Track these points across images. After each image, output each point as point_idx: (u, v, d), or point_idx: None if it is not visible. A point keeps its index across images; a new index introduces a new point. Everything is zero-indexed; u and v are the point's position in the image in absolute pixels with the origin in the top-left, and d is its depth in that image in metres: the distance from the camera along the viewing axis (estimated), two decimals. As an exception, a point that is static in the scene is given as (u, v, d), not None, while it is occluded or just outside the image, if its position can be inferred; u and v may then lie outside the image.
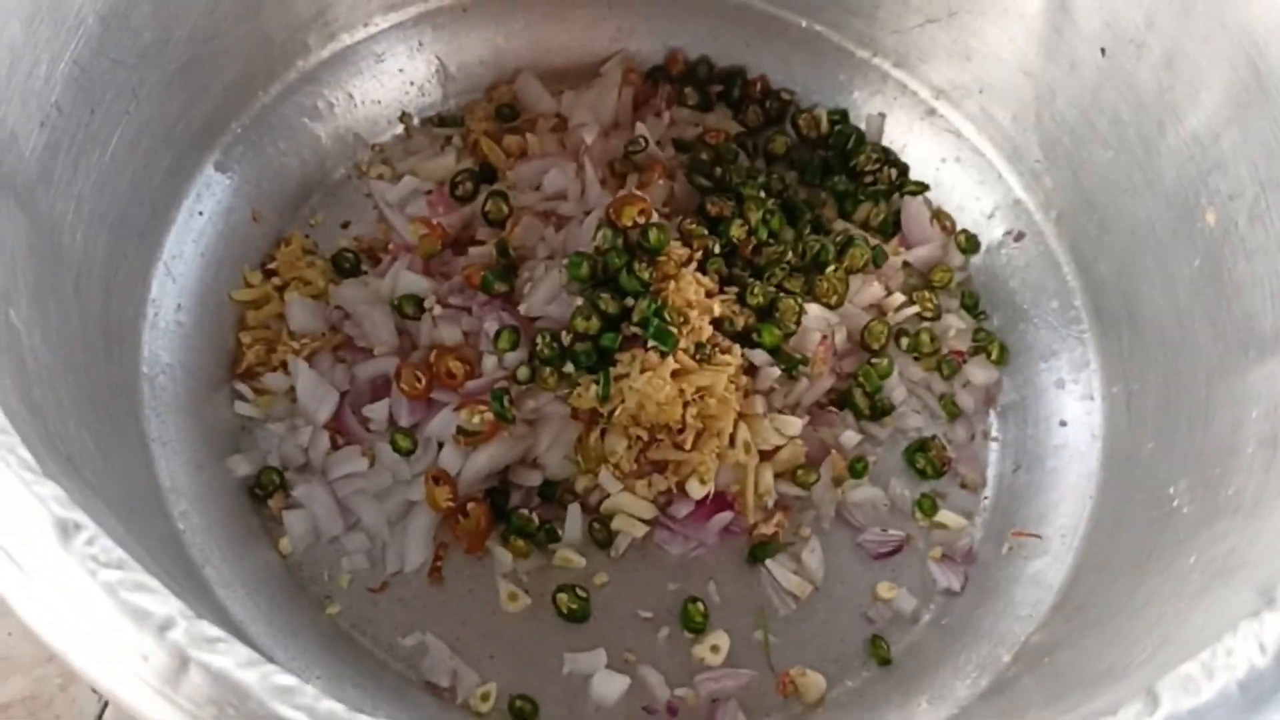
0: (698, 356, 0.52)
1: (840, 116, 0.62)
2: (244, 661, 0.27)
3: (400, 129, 0.61)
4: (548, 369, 0.52)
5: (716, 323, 0.53)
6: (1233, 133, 0.45)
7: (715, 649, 0.50)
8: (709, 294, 0.54)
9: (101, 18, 0.44)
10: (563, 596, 0.50)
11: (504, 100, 0.62)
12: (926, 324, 0.58)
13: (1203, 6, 0.45)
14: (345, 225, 0.59)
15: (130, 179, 0.49)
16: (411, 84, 0.61)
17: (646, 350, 0.51)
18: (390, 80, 0.61)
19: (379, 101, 0.61)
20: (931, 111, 0.61)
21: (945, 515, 0.54)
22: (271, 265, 0.56)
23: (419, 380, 0.52)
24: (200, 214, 0.54)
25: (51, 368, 0.39)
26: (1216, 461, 0.42)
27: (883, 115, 0.62)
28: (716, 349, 0.52)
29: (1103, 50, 0.51)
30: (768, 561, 0.52)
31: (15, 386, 0.34)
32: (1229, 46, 0.45)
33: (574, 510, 0.52)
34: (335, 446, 0.52)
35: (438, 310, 0.54)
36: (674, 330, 0.50)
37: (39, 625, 0.28)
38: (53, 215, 0.43)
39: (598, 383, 0.51)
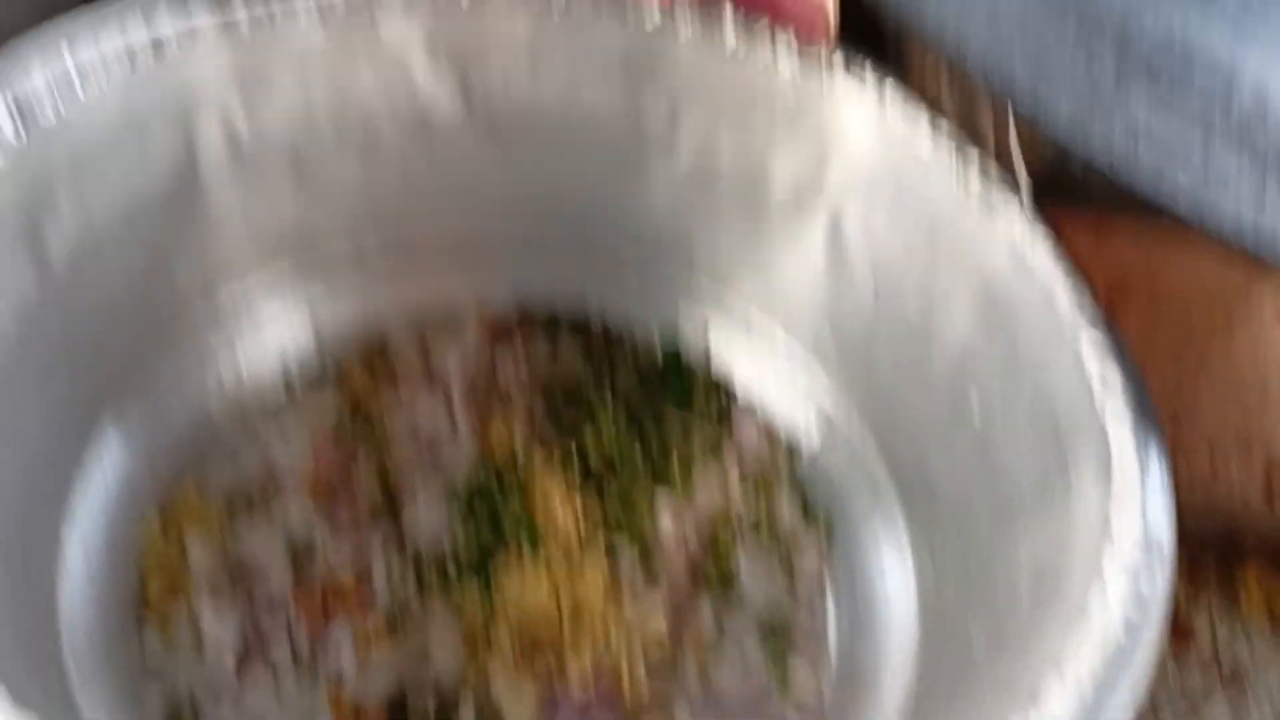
0: (566, 553, 0.59)
1: (673, 347, 0.72)
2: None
3: (282, 388, 0.68)
4: (434, 580, 0.58)
5: (580, 524, 0.61)
6: (983, 346, 0.56)
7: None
8: (572, 499, 0.62)
9: (15, 319, 0.51)
10: (463, 792, 0.55)
11: (375, 352, 0.70)
12: (764, 514, 0.67)
13: (949, 254, 0.57)
14: (236, 474, 0.64)
15: (35, 446, 0.54)
16: (289, 345, 0.68)
17: (520, 556, 0.58)
18: (269, 343, 0.67)
19: (260, 362, 0.67)
20: (749, 342, 0.71)
21: (797, 682, 0.61)
22: (170, 511, 0.61)
23: (316, 605, 0.58)
24: (103, 471, 0.59)
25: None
26: (1000, 599, 0.51)
27: (708, 343, 0.72)
28: (584, 547, 0.60)
29: (876, 291, 0.62)
30: (646, 736, 0.58)
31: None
32: (972, 281, 0.56)
33: (467, 707, 0.57)
34: (242, 675, 0.57)
35: (329, 542, 0.61)
36: (541, 529, 0.58)
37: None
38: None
39: (480, 586, 0.57)
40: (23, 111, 0.49)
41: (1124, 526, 0.43)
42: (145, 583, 0.59)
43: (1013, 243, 0.53)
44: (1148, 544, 0.43)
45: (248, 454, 0.65)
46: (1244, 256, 0.60)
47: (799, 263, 0.65)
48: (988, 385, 0.55)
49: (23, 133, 0.49)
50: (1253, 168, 0.47)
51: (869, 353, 0.64)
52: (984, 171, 0.55)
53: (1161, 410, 0.50)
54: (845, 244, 0.62)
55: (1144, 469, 0.45)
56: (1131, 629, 0.41)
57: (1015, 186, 0.55)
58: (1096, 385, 0.48)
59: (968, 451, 0.57)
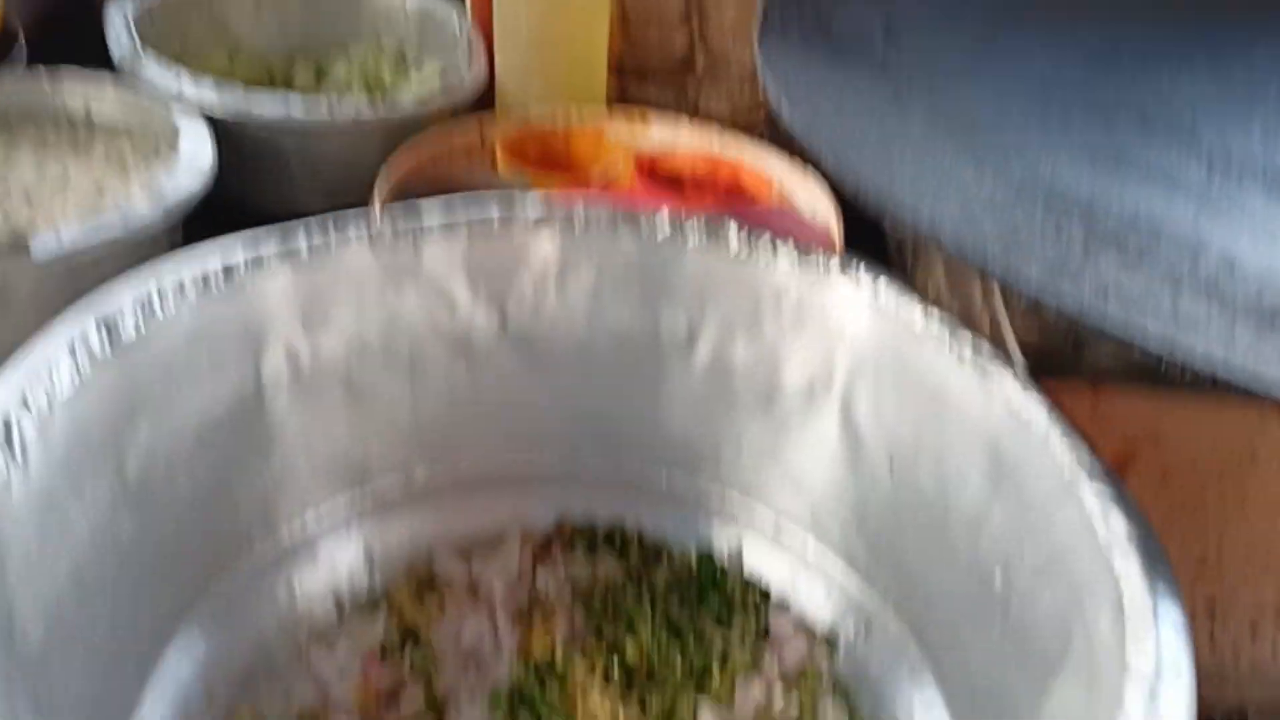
0: (610, 760, 0.59)
1: (706, 554, 0.74)
2: None
3: (333, 610, 0.71)
4: (480, 792, 0.59)
5: (622, 727, 0.62)
6: (995, 509, 0.58)
7: None
8: (614, 705, 0.62)
9: (92, 528, 0.55)
10: None
11: (422, 574, 0.73)
12: (807, 715, 0.67)
13: (950, 421, 0.60)
14: (288, 697, 0.66)
15: (104, 665, 0.57)
16: (342, 569, 0.72)
17: (565, 759, 0.59)
18: (323, 568, 0.71)
19: (314, 587, 0.71)
20: (777, 537, 0.73)
21: None
22: (223, 737, 0.63)
23: (363, 820, 0.58)
24: (164, 697, 0.61)
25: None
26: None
27: (740, 546, 0.74)
28: (626, 752, 0.60)
29: (891, 464, 0.65)
30: None
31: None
32: (977, 444, 0.59)
33: None
34: None
35: (377, 757, 0.61)
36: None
37: None
38: (50, 696, 0.50)
39: (525, 795, 0.58)
40: (109, 327, 0.55)
41: (1141, 663, 0.44)
42: (198, 810, 0.59)
43: (1008, 401, 0.56)
44: (1162, 672, 0.43)
45: (300, 678, 0.67)
46: (1245, 414, 0.62)
47: (816, 451, 0.68)
48: (1004, 548, 0.56)
49: (107, 347, 0.54)
50: (1222, 314, 0.50)
51: (891, 533, 0.65)
52: (976, 342, 0.59)
53: (1182, 578, 0.51)
54: (858, 426, 0.65)
55: (1156, 604, 0.46)
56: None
57: (1008, 356, 0.59)
58: (1100, 529, 0.49)
59: (995, 621, 0.57)
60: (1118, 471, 0.54)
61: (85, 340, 0.54)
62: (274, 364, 0.64)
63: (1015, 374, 0.57)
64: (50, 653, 0.51)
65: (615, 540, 0.75)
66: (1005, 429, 0.57)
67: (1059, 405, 0.56)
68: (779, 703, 0.67)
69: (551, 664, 0.63)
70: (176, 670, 0.63)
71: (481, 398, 0.72)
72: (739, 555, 0.74)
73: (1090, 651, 0.48)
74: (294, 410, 0.66)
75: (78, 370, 0.53)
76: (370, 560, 0.73)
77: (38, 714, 0.47)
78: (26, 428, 0.50)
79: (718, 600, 0.72)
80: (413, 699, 0.64)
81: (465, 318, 0.69)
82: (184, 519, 0.62)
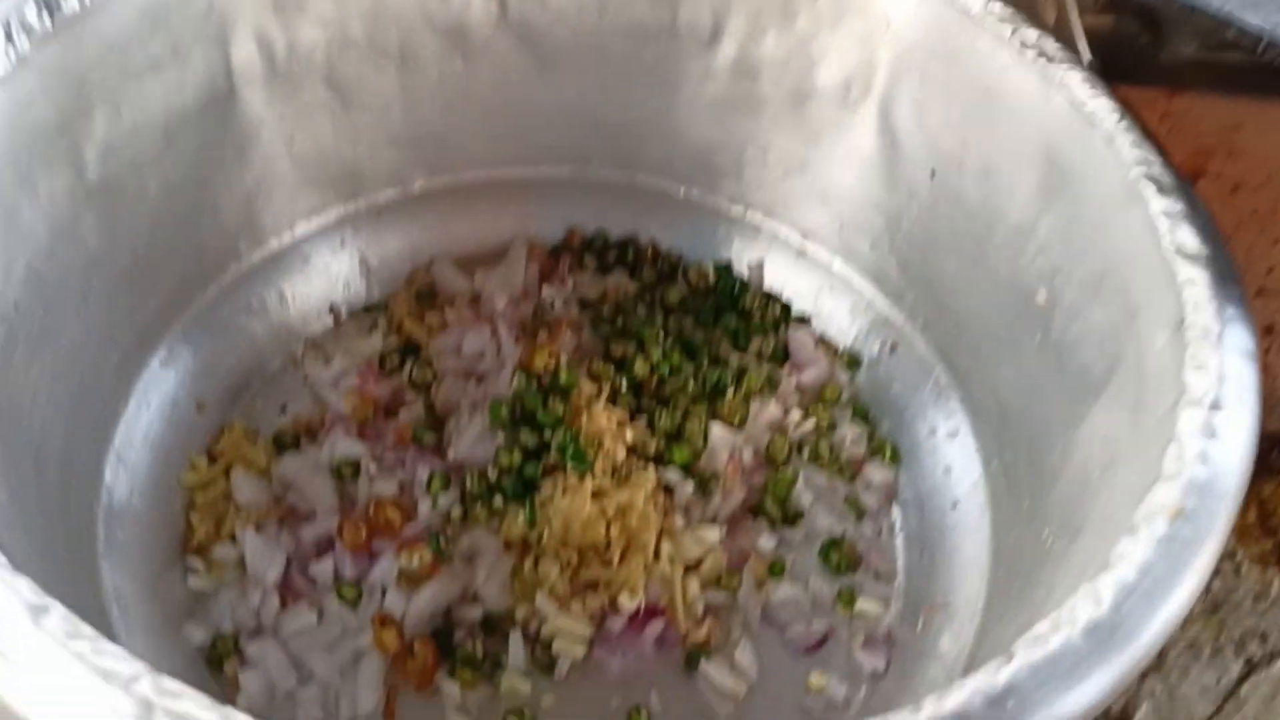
0: (615, 478, 0.56)
1: (725, 267, 0.70)
2: (206, 705, 0.30)
3: (330, 320, 0.67)
4: (478, 505, 0.56)
5: (630, 449, 0.58)
6: (1046, 219, 0.52)
7: (663, 754, 0.53)
8: (620, 423, 0.59)
9: (51, 228, 0.50)
10: None
11: (422, 285, 0.69)
12: (824, 435, 0.64)
13: (1004, 122, 0.54)
14: (283, 409, 0.63)
15: (81, 374, 0.54)
16: (337, 278, 0.68)
17: (566, 474, 0.56)
18: (317, 277, 0.67)
19: (308, 296, 0.67)
20: (802, 252, 0.68)
21: (863, 604, 0.58)
22: (216, 450, 0.60)
23: (359, 532, 0.56)
24: (148, 406, 0.59)
25: (16, 532, 0.43)
26: (1073, 497, 0.47)
27: (761, 261, 0.69)
28: (632, 470, 0.57)
29: (932, 173, 0.59)
30: (703, 665, 0.55)
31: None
32: (1030, 149, 0.52)
33: (515, 638, 0.55)
34: (285, 606, 0.55)
35: (373, 468, 0.59)
36: (588, 451, 0.56)
37: (18, 700, 0.31)
38: (12, 404, 0.48)
39: (524, 509, 0.55)
40: (47, 2, 0.48)
41: (1200, 386, 0.39)
42: (190, 520, 0.58)
43: (1071, 102, 0.49)
44: (1223, 403, 0.38)
45: (295, 388, 0.64)
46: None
47: (849, 161, 0.62)
48: (1052, 262, 0.51)
49: (47, 20, 0.48)
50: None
51: (925, 249, 0.60)
52: (1039, 34, 0.51)
53: (1247, 282, 0.46)
54: (897, 130, 0.59)
55: (1223, 328, 0.41)
56: (1206, 489, 0.36)
57: (1075, 51, 0.51)
58: (1165, 242, 0.43)
59: (1033, 341, 0.53)
60: (1188, 176, 0.48)
61: (21, 14, 0.48)
62: (245, 53, 0.57)
63: (1081, 71, 0.50)
64: (11, 358, 0.47)
65: (627, 255, 0.70)
66: (1065, 132, 0.50)
67: (1129, 108, 0.49)
68: (795, 422, 0.64)
69: (555, 378, 0.60)
70: (164, 381, 0.60)
71: (481, 99, 0.65)
72: (759, 272, 0.69)
73: (1140, 374, 0.44)
74: (272, 107, 0.60)
75: (13, 46, 0.47)
76: (367, 271, 0.68)
77: (34, 405, 0.45)
78: (-40, 113, 0.45)
79: (735, 319, 0.67)
80: (412, 410, 0.62)
81: (459, 4, 0.61)
82: (160, 223, 0.57)
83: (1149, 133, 0.48)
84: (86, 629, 0.32)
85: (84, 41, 0.50)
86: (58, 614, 0.32)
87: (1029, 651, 0.33)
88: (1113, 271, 0.47)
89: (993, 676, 0.32)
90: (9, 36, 0.47)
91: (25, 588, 0.32)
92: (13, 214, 0.48)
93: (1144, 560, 0.34)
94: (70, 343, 0.52)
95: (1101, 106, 0.48)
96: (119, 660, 0.31)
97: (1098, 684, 0.32)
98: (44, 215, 0.50)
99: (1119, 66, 0.53)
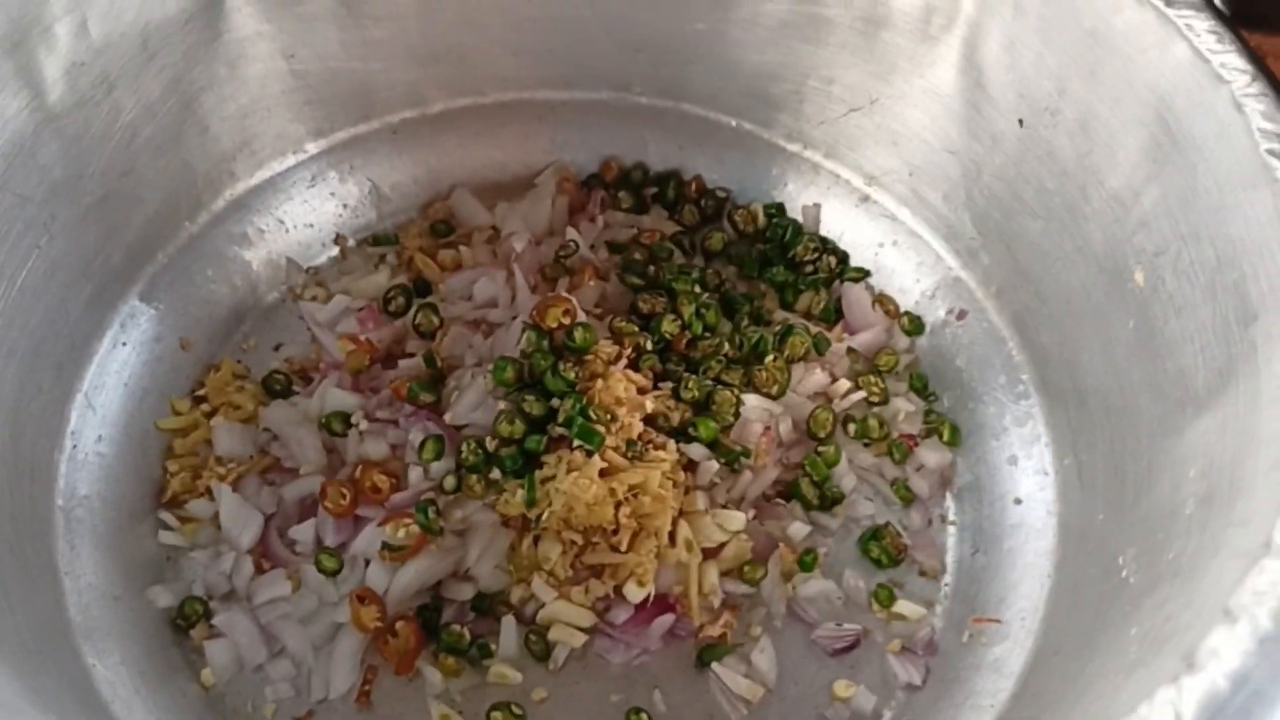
0: (629, 454, 0.50)
1: (776, 210, 0.62)
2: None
3: (335, 251, 0.61)
4: (474, 476, 0.50)
5: (650, 419, 0.52)
6: (1152, 190, 0.44)
7: (662, 763, 0.47)
8: (641, 390, 0.52)
9: (4, 155, 0.45)
10: (498, 715, 0.48)
11: (439, 216, 0.62)
12: (875, 409, 0.57)
13: (1110, 70, 0.45)
14: (278, 348, 0.58)
15: (44, 312, 0.49)
16: (344, 206, 0.62)
17: (572, 450, 0.49)
18: (322, 204, 0.61)
19: (311, 225, 0.61)
20: (865, 198, 0.60)
21: (903, 605, 0.52)
22: (200, 392, 0.55)
23: (344, 497, 0.51)
24: (124, 344, 0.54)
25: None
26: (1159, 526, 0.40)
27: (818, 205, 0.61)
28: (649, 446, 0.51)
29: (1020, 121, 0.50)
30: (715, 665, 0.49)
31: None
32: (1139, 106, 0.44)
33: (508, 623, 0.50)
34: (260, 571, 0.51)
35: (364, 425, 0.53)
36: (599, 428, 0.49)
37: None
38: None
39: (524, 487, 0.49)
40: None
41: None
42: (165, 471, 0.53)
43: (1196, 52, 0.40)
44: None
45: (292, 325, 0.59)
46: None
47: (926, 97, 0.53)
48: (1157, 239, 0.43)
49: None
50: None
51: (1006, 207, 0.52)
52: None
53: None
54: (983, 69, 0.50)
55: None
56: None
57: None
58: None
59: (1126, 331, 0.45)
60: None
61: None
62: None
63: (1209, 17, 0.41)
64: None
65: (668, 192, 0.63)
66: (1184, 89, 0.41)
67: (1263, 65, 0.40)
68: (842, 393, 0.57)
69: (570, 337, 0.53)
70: (142, 317, 0.55)
71: (510, 10, 0.57)
72: (815, 218, 0.61)
73: (1253, 397, 0.36)
74: (268, 16, 0.53)
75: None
76: (378, 198, 0.62)
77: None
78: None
79: (784, 270, 0.60)
80: (413, 360, 0.55)
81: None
82: (136, 147, 0.51)
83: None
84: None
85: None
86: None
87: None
88: (1229, 264, 0.39)
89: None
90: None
91: None
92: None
93: (1240, 667, 0.27)
94: (30, 280, 0.48)
95: (1230, 61, 0.40)
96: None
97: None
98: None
99: (1254, 10, 0.45)
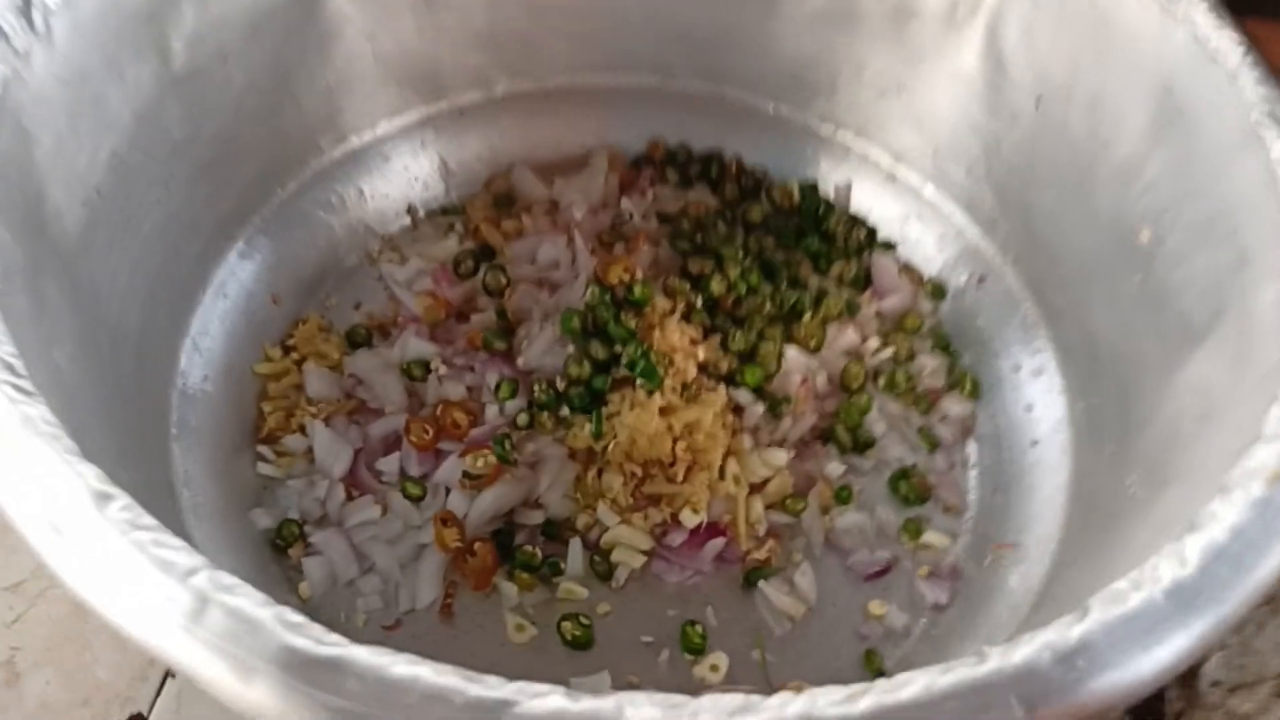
0: (684, 395, 0.56)
1: (810, 187, 0.67)
2: (258, 602, 0.30)
3: (407, 220, 0.67)
4: (545, 413, 0.56)
5: (702, 367, 0.58)
6: (1156, 157, 0.49)
7: (715, 669, 0.53)
8: (693, 341, 0.58)
9: (136, 115, 0.50)
10: (567, 625, 0.53)
11: (501, 190, 0.68)
12: (902, 365, 0.62)
13: (1118, 51, 0.51)
14: (357, 306, 0.63)
15: (161, 261, 0.54)
16: (416, 179, 0.67)
17: (635, 389, 0.55)
18: (397, 177, 0.67)
19: (387, 196, 0.66)
20: (892, 176, 0.66)
21: (930, 537, 0.57)
22: (290, 342, 0.61)
23: (427, 432, 0.56)
24: (225, 296, 0.59)
25: (89, 411, 0.44)
26: (1162, 447, 0.45)
27: (849, 183, 0.67)
28: (702, 389, 0.57)
29: (1037, 100, 0.56)
30: (762, 585, 0.55)
31: (59, 409, 0.38)
32: (1144, 81, 0.50)
33: (575, 545, 0.55)
34: (350, 498, 0.56)
35: (443, 370, 0.59)
36: (659, 369, 0.55)
37: (77, 583, 0.31)
38: (92, 285, 0.48)
39: (591, 421, 0.55)
40: None
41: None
42: (260, 410, 0.58)
43: (1195, 36, 0.46)
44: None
45: (370, 286, 0.64)
46: None
47: (950, 84, 0.59)
48: (1159, 202, 0.48)
49: None
50: None
51: (1023, 180, 0.57)
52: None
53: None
54: (1004, 54, 0.56)
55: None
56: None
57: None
58: (1288, 187, 0.41)
59: (1133, 285, 0.51)
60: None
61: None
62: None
63: (1206, 2, 0.46)
64: (93, 241, 0.48)
65: (710, 170, 0.68)
66: (1184, 67, 0.47)
67: (1255, 44, 0.46)
68: (872, 350, 0.62)
69: (630, 292, 0.59)
70: (242, 271, 0.60)
71: (564, 1, 0.64)
72: (846, 194, 0.67)
73: (1244, 327, 0.41)
74: (356, 3, 0.59)
75: (102, -73, 0.46)
76: (446, 173, 0.68)
77: (75, 302, 0.45)
78: (48, -4, 0.44)
79: (817, 241, 0.66)
80: (484, 316, 0.61)
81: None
82: (243, 114, 0.57)
83: (1275, 72, 0.45)
84: (149, 520, 0.32)
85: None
86: (121, 503, 0.32)
87: (1106, 609, 0.31)
88: (1224, 217, 0.44)
89: (1065, 631, 0.30)
90: (99, -81, 0.47)
91: (92, 475, 0.33)
92: (100, 100, 0.48)
93: (1236, 523, 0.33)
94: (151, 230, 0.53)
95: (1225, 42, 0.45)
96: (178, 553, 0.31)
97: (1174, 648, 0.31)
98: (129, 102, 0.50)
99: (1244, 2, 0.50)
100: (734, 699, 0.29)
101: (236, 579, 0.31)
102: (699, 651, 0.53)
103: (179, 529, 0.51)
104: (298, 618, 0.30)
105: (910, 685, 0.29)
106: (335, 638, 0.30)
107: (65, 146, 0.46)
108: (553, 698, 0.29)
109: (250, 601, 0.30)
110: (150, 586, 0.30)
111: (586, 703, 0.29)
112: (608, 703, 0.29)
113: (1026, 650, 0.30)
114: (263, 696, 0.29)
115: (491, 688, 0.29)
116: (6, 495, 0.32)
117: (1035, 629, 0.31)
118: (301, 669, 0.29)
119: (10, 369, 0.35)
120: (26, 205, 0.43)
